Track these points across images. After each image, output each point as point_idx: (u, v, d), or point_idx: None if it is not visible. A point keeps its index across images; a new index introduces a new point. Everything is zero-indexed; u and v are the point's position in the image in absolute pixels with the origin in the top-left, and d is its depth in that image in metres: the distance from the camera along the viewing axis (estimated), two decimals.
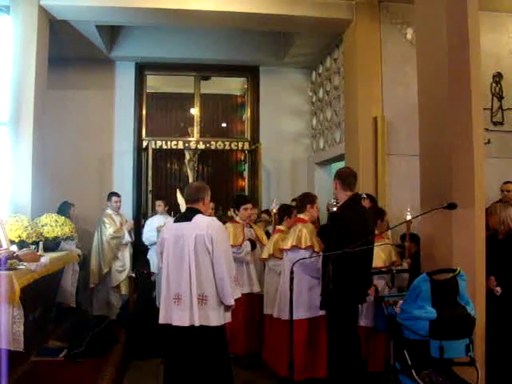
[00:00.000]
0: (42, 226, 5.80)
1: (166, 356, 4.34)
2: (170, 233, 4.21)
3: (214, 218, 4.29)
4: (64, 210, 7.04)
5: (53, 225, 5.83)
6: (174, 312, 4.05)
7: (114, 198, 7.69)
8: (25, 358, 4.82)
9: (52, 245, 5.85)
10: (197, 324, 3.95)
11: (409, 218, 5.14)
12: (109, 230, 7.43)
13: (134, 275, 7.04)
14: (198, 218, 4.12)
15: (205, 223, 4.07)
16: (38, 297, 5.04)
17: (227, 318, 4.17)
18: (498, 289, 4.50)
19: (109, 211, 7.67)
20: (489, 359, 4.30)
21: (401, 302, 3.89)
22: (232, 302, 4.07)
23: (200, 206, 4.22)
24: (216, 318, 4.03)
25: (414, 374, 3.57)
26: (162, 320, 4.15)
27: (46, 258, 5.04)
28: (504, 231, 4.69)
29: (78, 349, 5.14)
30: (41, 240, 5.54)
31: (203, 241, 4.01)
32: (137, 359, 5.70)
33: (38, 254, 5.12)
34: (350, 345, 4.22)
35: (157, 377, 5.22)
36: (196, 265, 4.01)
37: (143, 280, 6.52)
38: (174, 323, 4.05)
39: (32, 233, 5.31)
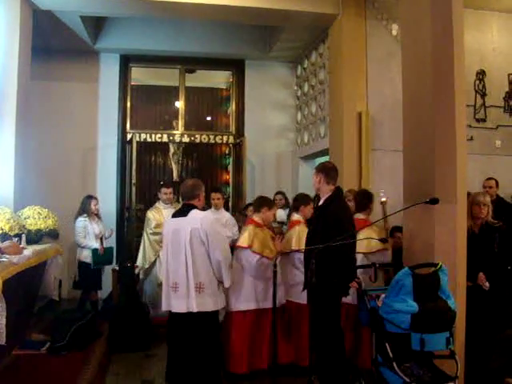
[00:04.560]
0: (25, 218, 5.78)
1: (168, 341, 4.83)
2: (169, 227, 4.63)
3: (208, 213, 4.86)
4: (84, 203, 7.02)
5: (36, 217, 5.80)
6: (173, 299, 4.47)
7: (164, 190, 7.15)
8: (7, 352, 4.80)
9: (35, 237, 5.82)
10: (195, 310, 4.37)
11: (383, 199, 5.73)
12: (151, 225, 7.02)
13: (117, 268, 7.01)
14: (193, 213, 4.51)
15: (199, 218, 4.47)
16: (20, 290, 5.01)
17: (222, 303, 4.62)
18: (487, 284, 4.60)
19: (157, 204, 7.25)
20: (468, 352, 4.37)
21: (383, 295, 3.93)
22: (229, 284, 4.57)
23: (195, 202, 4.62)
24: (212, 303, 4.46)
25: (396, 367, 3.61)
26: (164, 307, 4.62)
27: (28, 250, 5.02)
28: (480, 223, 4.79)
29: (61, 342, 5.13)
30: (23, 232, 5.50)
31: (198, 234, 4.40)
32: (120, 352, 5.69)
33: (21, 246, 5.09)
34: (333, 337, 4.26)
35: (140, 370, 5.23)
36: (192, 255, 4.40)
37: (127, 273, 6.49)
38: (173, 310, 4.50)
39: (15, 225, 5.29)
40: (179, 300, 4.43)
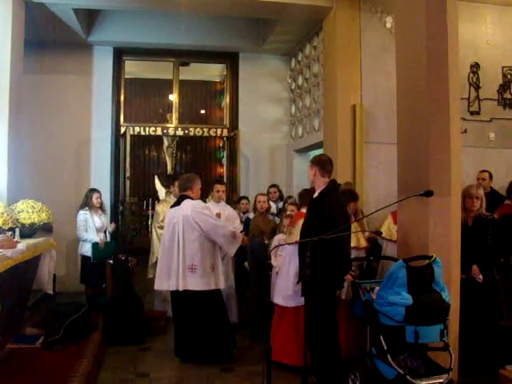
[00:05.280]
0: (19, 212, 5.75)
1: (174, 318, 5.34)
2: (168, 216, 5.30)
3: (198, 201, 5.29)
4: (87, 196, 7.07)
5: (29, 211, 5.77)
6: (171, 280, 5.00)
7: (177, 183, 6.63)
8: (1, 346, 4.79)
9: (29, 231, 5.79)
10: (181, 289, 4.93)
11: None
12: (158, 219, 6.87)
13: (111, 262, 7.00)
14: (185, 202, 5.14)
15: (190, 205, 5.08)
16: (14, 283, 4.99)
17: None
18: (481, 276, 4.62)
19: (167, 198, 7.16)
20: (462, 344, 4.40)
21: (377, 288, 3.94)
22: (233, 253, 5.35)
23: (189, 193, 5.24)
24: (203, 284, 5.00)
25: (390, 359, 3.62)
26: (156, 286, 5.25)
27: (22, 244, 5.00)
28: (474, 215, 4.80)
29: (55, 336, 5.10)
30: (17, 226, 5.48)
31: (189, 220, 5.00)
32: (115, 346, 5.68)
33: (15, 240, 5.07)
34: (328, 330, 4.26)
35: (135, 363, 5.23)
36: (184, 240, 5.00)
37: (121, 266, 6.48)
38: (170, 289, 5.07)
39: (8, 219, 5.26)
40: (172, 280, 4.99)
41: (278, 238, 5.64)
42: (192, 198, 5.20)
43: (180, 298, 5.09)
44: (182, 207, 5.11)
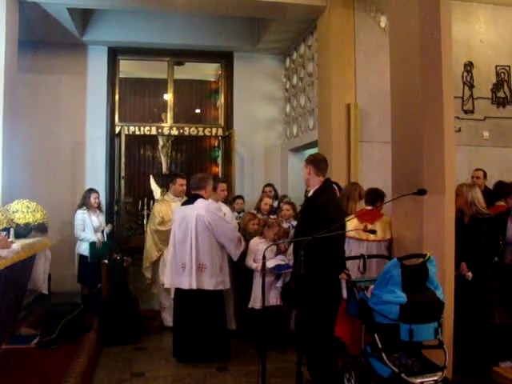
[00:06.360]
0: (13, 212, 5.73)
1: (175, 314, 5.41)
2: (178, 214, 5.34)
3: (211, 202, 5.41)
4: (85, 196, 7.13)
5: (24, 211, 5.75)
6: (183, 278, 5.12)
7: (180, 181, 6.48)
8: None
9: (23, 231, 5.78)
10: (195, 287, 5.04)
11: None
12: (154, 221, 6.41)
13: (107, 262, 6.99)
14: (199, 201, 5.22)
15: (204, 206, 5.18)
16: (9, 284, 4.97)
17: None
18: (470, 274, 4.63)
19: (166, 197, 6.72)
20: (456, 342, 4.42)
21: (372, 286, 3.95)
22: (236, 259, 5.37)
23: (202, 193, 5.31)
24: (210, 283, 5.12)
25: (385, 357, 3.63)
26: (167, 285, 5.43)
27: (17, 244, 4.99)
28: (470, 213, 4.82)
29: (51, 336, 5.11)
30: (12, 226, 5.47)
31: (202, 220, 5.09)
32: (110, 345, 5.68)
33: (9, 240, 5.06)
34: (323, 329, 4.27)
35: (130, 363, 5.23)
36: (196, 238, 5.10)
37: (116, 266, 6.47)
38: (182, 287, 5.15)
39: (3, 219, 5.24)
40: (186, 278, 5.09)
41: (255, 242, 5.68)
42: (204, 198, 5.29)
43: (188, 296, 5.17)
44: (195, 206, 5.19)
